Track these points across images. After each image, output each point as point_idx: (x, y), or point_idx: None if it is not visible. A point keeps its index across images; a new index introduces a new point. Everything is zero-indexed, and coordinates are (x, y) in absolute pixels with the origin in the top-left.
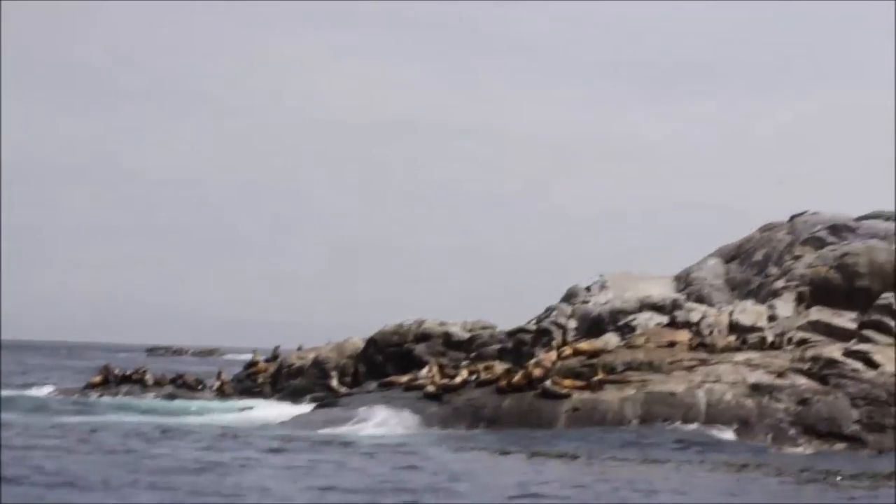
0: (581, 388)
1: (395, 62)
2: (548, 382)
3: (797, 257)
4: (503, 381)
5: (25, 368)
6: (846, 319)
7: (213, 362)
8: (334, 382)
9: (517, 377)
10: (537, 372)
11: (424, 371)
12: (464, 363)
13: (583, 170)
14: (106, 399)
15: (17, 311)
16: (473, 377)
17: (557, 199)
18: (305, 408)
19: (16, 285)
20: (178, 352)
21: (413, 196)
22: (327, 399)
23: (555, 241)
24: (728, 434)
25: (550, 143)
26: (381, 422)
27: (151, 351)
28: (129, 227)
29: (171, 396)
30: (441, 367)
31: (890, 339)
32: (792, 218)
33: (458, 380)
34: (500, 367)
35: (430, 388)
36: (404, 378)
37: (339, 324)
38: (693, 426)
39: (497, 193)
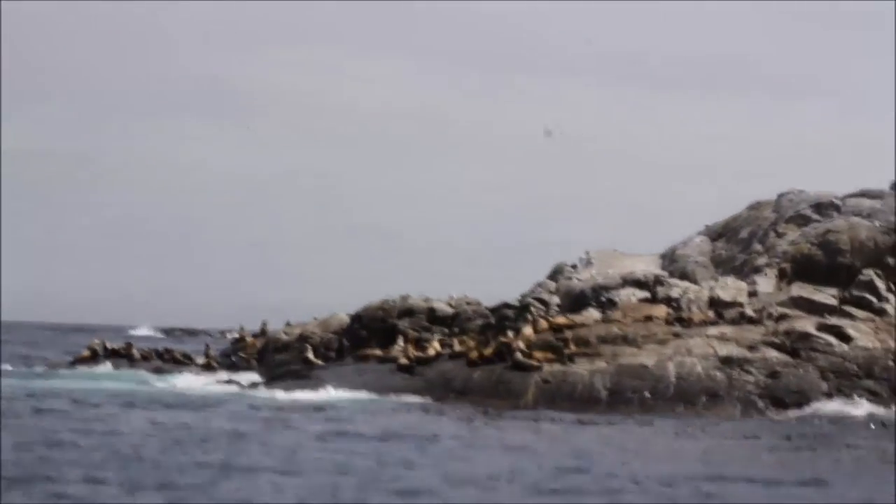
0: (552, 361)
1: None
2: (518, 354)
3: (781, 234)
4: (474, 354)
5: (33, 347)
6: (827, 295)
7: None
8: (310, 355)
9: (488, 350)
10: (518, 344)
11: (398, 344)
12: (437, 337)
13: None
14: (81, 370)
15: (49, 296)
16: (446, 350)
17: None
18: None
19: (47, 272)
20: (193, 333)
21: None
22: (302, 370)
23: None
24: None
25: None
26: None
27: (168, 332)
28: (148, 215)
29: (158, 370)
30: (415, 341)
31: (870, 315)
32: (779, 196)
33: (430, 352)
34: (472, 340)
35: (403, 361)
36: (378, 351)
37: (346, 303)
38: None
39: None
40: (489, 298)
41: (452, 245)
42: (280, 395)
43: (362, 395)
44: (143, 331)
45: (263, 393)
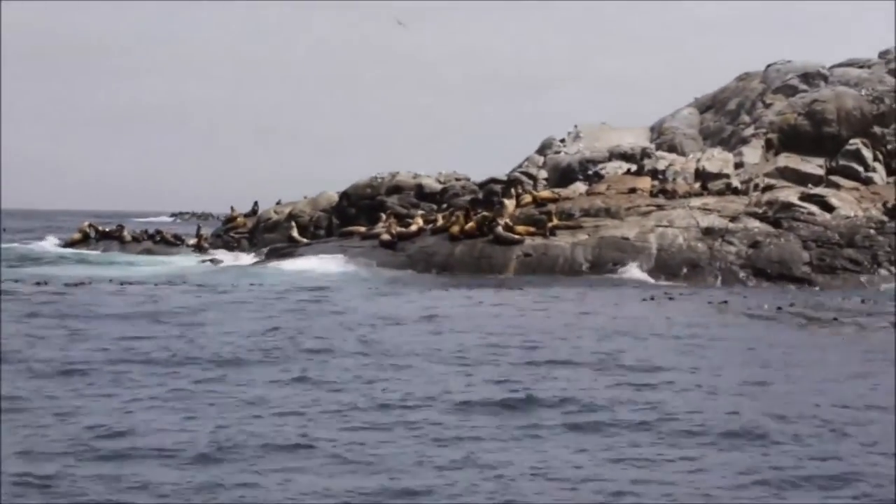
0: (534, 234)
1: None
2: (499, 229)
3: (768, 105)
4: (456, 229)
5: (42, 229)
6: (814, 165)
7: None
8: (295, 233)
9: (470, 224)
10: (500, 218)
11: (382, 221)
12: (419, 212)
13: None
14: (69, 252)
15: (71, 185)
16: (429, 226)
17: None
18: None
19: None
20: (202, 216)
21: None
22: (287, 248)
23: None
24: None
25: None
26: (319, 263)
27: (177, 216)
28: (158, 106)
29: (148, 252)
30: (399, 217)
31: (856, 185)
32: (767, 67)
33: (413, 228)
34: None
35: (386, 237)
36: (362, 228)
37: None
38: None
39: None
40: (483, 174)
41: (448, 122)
42: (253, 269)
43: (336, 268)
44: (161, 217)
45: (237, 269)
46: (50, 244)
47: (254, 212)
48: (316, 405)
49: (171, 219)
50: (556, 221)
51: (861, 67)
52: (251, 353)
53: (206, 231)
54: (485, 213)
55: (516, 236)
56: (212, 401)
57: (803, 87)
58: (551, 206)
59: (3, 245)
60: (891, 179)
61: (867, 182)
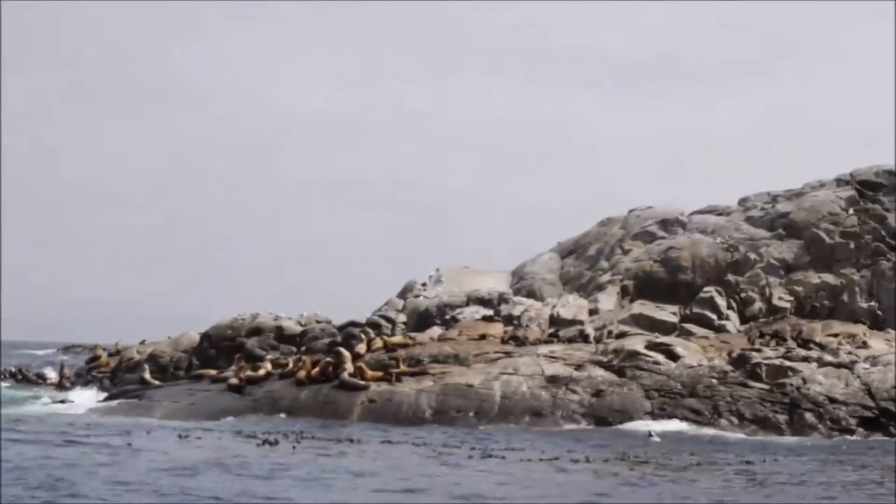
0: (380, 380)
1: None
2: (345, 374)
3: (626, 251)
4: (302, 373)
5: None
6: (668, 313)
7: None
8: (147, 375)
9: (315, 369)
10: (346, 364)
11: (233, 365)
12: (269, 356)
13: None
14: None
15: None
16: (278, 370)
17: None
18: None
19: None
20: (93, 348)
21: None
22: (136, 391)
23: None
24: None
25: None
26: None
27: (68, 349)
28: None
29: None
30: (253, 360)
31: (708, 332)
32: (628, 212)
33: (261, 372)
34: (311, 360)
35: (233, 381)
36: (213, 371)
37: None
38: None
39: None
40: (345, 316)
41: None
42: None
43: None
44: (50, 349)
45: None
46: None
47: (117, 351)
48: None
49: (57, 352)
50: (402, 367)
51: (719, 215)
52: None
53: (69, 369)
54: (328, 360)
55: (361, 382)
56: None
57: (661, 233)
58: (400, 352)
59: None
60: (743, 328)
61: (720, 330)
